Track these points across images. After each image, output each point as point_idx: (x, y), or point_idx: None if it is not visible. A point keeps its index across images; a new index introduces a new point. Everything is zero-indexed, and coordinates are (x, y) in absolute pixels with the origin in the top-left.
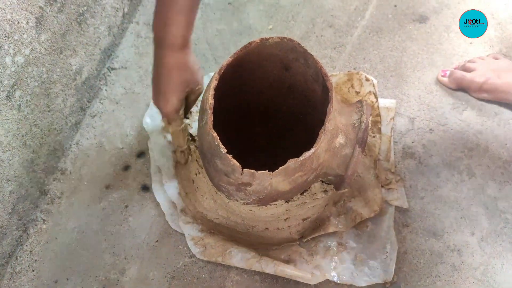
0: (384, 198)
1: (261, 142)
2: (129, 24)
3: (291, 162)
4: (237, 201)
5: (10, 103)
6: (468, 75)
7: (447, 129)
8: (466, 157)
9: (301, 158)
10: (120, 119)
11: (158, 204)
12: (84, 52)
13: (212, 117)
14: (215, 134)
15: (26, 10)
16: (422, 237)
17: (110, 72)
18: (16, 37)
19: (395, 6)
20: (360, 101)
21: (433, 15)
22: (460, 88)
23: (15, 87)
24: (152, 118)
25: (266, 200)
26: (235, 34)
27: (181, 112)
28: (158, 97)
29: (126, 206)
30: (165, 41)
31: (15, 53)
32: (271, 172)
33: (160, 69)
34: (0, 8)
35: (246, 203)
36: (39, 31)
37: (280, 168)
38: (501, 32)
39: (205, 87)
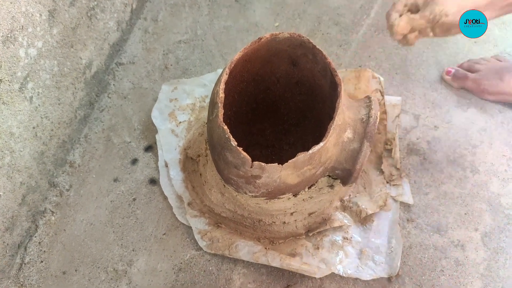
0: (389, 194)
1: (268, 137)
2: (137, 20)
3: (301, 155)
4: (246, 194)
5: (22, 95)
6: (471, 76)
7: (452, 126)
8: (470, 154)
9: (310, 151)
10: (127, 113)
11: (165, 198)
12: (94, 47)
13: (223, 110)
14: (225, 127)
15: (39, 3)
16: (426, 232)
17: (118, 67)
18: (29, 30)
19: None
20: (368, 96)
21: None
22: (462, 87)
23: (28, 79)
24: (161, 112)
25: (274, 193)
26: (242, 31)
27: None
28: None
29: (134, 199)
30: None
31: (29, 45)
32: (280, 165)
33: None
34: (15, 1)
35: (255, 196)
36: (52, 24)
37: (289, 161)
38: (505, 32)
39: (213, 83)
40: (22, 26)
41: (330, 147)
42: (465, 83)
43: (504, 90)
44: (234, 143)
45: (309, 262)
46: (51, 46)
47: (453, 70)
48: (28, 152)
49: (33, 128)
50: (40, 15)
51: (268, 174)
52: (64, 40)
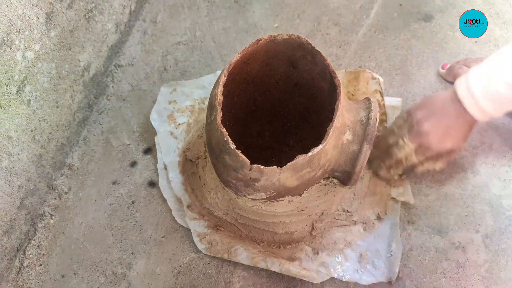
0: (390, 194)
1: (266, 140)
2: (135, 22)
3: (300, 158)
4: (245, 196)
5: (20, 98)
6: (465, 69)
7: None
8: (470, 155)
9: (309, 154)
10: (126, 115)
11: (164, 200)
12: (92, 49)
13: (221, 113)
14: (224, 129)
15: (37, 6)
16: (427, 234)
17: (117, 69)
18: (27, 33)
19: (400, 4)
20: (367, 98)
21: (438, 14)
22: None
23: (25, 82)
24: (159, 114)
25: (273, 196)
26: (241, 32)
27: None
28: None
29: (133, 202)
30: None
31: (26, 48)
32: (279, 167)
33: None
34: (12, 4)
35: (254, 199)
36: (49, 27)
37: (288, 164)
38: (506, 31)
39: (212, 85)
40: (19, 29)
41: (330, 149)
42: (458, 76)
43: None
44: (232, 145)
45: (308, 267)
46: (49, 49)
47: (449, 64)
48: (26, 156)
49: (31, 131)
50: (37, 18)
51: (267, 177)
52: (61, 43)
